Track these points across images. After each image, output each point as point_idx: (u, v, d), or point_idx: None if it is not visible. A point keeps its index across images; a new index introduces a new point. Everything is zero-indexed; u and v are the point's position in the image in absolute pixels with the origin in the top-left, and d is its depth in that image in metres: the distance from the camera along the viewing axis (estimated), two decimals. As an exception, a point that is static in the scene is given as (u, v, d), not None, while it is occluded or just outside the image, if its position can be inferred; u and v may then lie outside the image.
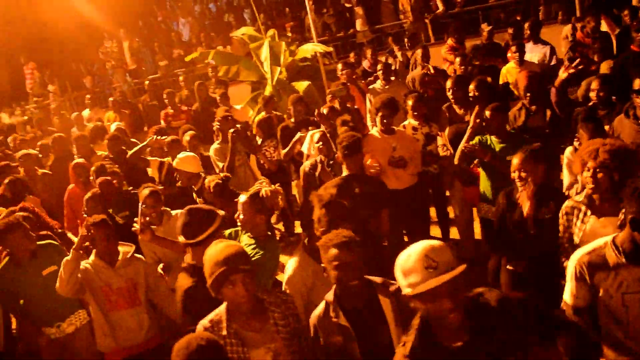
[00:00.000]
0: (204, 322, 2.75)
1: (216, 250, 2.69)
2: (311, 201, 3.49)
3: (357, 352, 2.61)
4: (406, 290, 2.04)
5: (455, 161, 4.75)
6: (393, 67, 7.96)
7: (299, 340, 2.78)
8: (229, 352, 2.60)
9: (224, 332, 2.66)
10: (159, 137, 6.48)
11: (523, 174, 3.62)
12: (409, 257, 2.03)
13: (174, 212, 4.66)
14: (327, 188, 3.63)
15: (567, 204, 3.27)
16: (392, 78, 7.33)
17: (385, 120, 5.25)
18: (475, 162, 4.74)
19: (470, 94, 5.23)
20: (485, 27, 8.41)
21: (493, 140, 4.65)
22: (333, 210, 3.29)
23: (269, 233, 3.82)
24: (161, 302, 4.13)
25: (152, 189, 4.62)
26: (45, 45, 15.78)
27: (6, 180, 6.03)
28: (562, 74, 4.93)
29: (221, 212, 3.61)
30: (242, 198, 3.73)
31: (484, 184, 4.72)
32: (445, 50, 8.30)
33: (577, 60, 5.00)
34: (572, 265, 2.69)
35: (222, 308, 2.74)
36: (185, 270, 3.43)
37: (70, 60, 16.10)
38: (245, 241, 3.75)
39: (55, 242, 4.61)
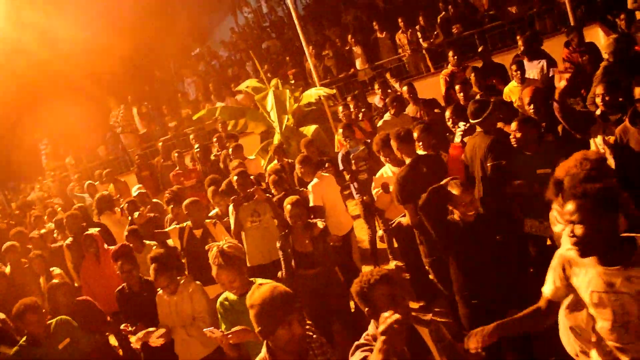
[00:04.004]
0: None
1: (264, 293, 2.60)
2: None
3: None
4: None
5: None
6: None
7: None
8: None
9: None
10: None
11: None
12: None
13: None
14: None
15: None
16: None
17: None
18: None
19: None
20: (480, 49, 8.50)
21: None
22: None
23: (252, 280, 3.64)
24: None
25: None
26: (56, 120, 16.22)
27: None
28: (560, 84, 4.92)
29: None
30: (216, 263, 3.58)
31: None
32: (443, 75, 8.32)
33: (568, 65, 4.98)
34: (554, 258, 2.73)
35: (264, 353, 2.66)
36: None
37: (81, 132, 16.48)
38: (235, 299, 3.66)
39: (66, 317, 4.62)
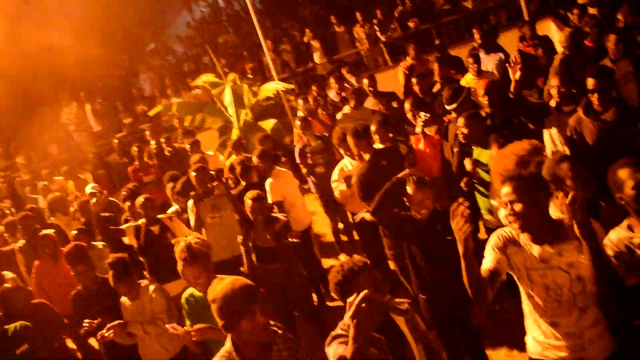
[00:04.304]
0: None
1: (225, 287, 2.56)
2: None
3: None
4: None
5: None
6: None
7: None
8: None
9: None
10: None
11: None
12: None
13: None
14: None
15: None
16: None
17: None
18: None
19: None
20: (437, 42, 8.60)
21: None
22: None
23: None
24: None
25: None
26: (5, 118, 15.63)
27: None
28: (516, 75, 5.00)
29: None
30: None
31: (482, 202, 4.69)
32: (402, 68, 8.36)
33: (518, 56, 5.07)
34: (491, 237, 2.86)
35: (228, 346, 2.60)
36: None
37: (32, 130, 15.93)
38: (200, 296, 3.63)
39: (25, 323, 4.48)
